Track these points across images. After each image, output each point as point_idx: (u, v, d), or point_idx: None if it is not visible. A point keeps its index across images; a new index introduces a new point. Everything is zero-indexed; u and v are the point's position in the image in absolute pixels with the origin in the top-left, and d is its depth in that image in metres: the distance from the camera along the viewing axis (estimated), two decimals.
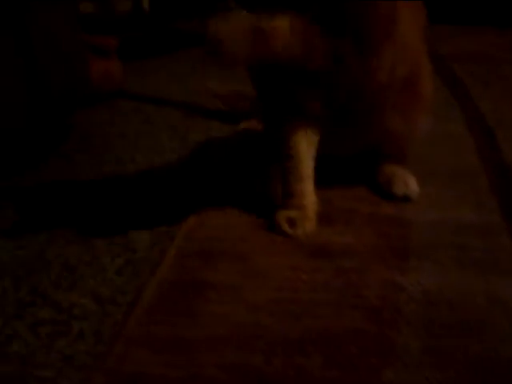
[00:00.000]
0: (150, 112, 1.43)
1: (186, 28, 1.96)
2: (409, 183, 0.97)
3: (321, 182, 0.93)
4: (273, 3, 0.79)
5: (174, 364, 0.65)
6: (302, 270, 0.80)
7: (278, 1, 0.79)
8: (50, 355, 0.68)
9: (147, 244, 0.89)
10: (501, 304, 0.72)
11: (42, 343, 0.70)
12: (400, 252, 0.83)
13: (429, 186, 0.99)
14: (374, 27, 0.82)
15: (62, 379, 0.64)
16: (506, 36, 2.04)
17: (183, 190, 1.05)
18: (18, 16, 1.08)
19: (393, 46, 0.85)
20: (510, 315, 0.70)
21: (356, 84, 0.84)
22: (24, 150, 1.15)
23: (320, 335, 0.68)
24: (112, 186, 1.08)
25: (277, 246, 0.86)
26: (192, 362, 0.65)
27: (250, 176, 1.04)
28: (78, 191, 1.06)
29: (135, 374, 0.63)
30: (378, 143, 0.98)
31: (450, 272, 0.78)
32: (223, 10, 0.75)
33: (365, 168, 1.02)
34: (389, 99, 0.90)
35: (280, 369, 0.63)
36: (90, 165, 1.16)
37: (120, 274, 0.82)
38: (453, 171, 1.05)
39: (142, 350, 0.67)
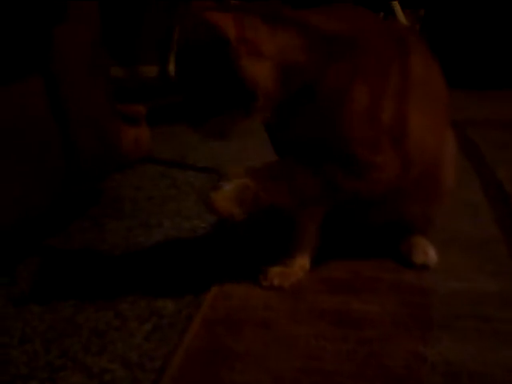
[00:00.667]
0: (177, 177, 1.48)
1: None
2: (428, 252, 1.00)
3: (348, 252, 0.96)
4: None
5: None
6: (326, 338, 0.82)
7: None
8: None
9: (174, 310, 0.91)
10: None
11: None
12: (422, 322, 0.84)
13: (449, 254, 1.02)
14: (359, 150, 0.84)
15: None
16: None
17: (209, 255, 1.08)
18: (54, 84, 1.15)
19: (399, 152, 0.86)
20: None
21: (360, 194, 0.88)
22: (56, 213, 1.19)
23: None
24: (139, 251, 1.11)
25: (301, 314, 0.87)
26: None
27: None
28: (105, 256, 1.10)
29: None
30: (398, 220, 1.02)
31: (471, 343, 0.79)
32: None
33: (388, 238, 1.04)
34: (402, 193, 0.94)
35: None
36: (117, 229, 1.20)
37: (148, 339, 0.84)
38: (472, 239, 1.07)
39: None
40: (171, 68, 2.15)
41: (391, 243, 1.04)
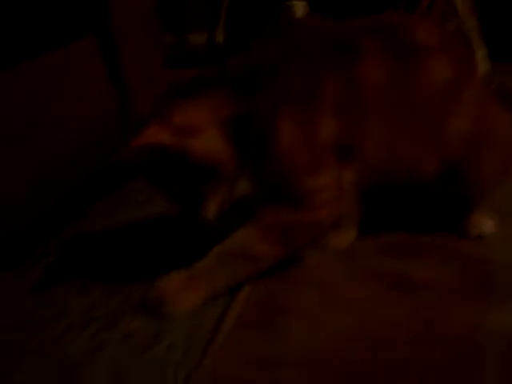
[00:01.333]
0: None
1: None
2: (483, 225, 0.98)
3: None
4: None
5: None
6: (382, 302, 0.81)
7: None
8: None
9: None
10: None
11: None
12: (481, 290, 0.83)
13: (508, 225, 0.98)
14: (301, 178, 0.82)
15: None
16: None
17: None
18: (109, 43, 1.17)
19: (351, 163, 0.85)
20: None
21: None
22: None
23: (400, 369, 0.69)
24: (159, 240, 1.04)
25: (357, 276, 0.87)
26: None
27: None
28: (124, 243, 1.04)
29: None
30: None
31: None
32: None
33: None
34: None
35: None
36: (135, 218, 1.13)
37: None
38: None
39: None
40: (219, 35, 2.14)
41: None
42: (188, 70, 1.57)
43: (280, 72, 0.81)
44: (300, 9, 1.90)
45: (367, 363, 0.70)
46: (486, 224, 0.98)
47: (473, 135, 0.90)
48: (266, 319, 0.79)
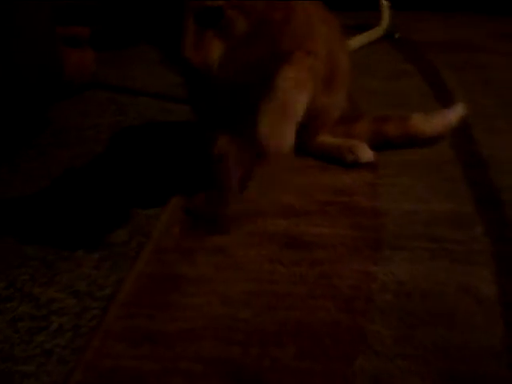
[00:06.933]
0: (125, 103, 1.42)
1: None
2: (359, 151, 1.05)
3: None
4: None
5: (151, 357, 0.66)
6: (278, 261, 0.81)
7: None
8: (29, 350, 0.69)
9: (124, 238, 0.89)
10: (472, 294, 0.74)
11: (22, 338, 0.71)
12: (373, 243, 0.84)
13: (403, 176, 1.01)
14: None
15: (41, 374, 0.65)
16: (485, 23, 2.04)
17: (158, 182, 1.05)
18: None
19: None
20: (482, 305, 0.72)
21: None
22: None
23: (295, 327, 0.69)
24: (86, 179, 1.08)
25: (254, 239, 0.86)
26: (168, 354, 0.66)
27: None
28: (52, 185, 1.06)
29: (113, 368, 0.65)
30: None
31: (422, 262, 0.80)
32: None
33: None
34: None
35: (256, 360, 0.65)
36: (64, 158, 1.15)
37: (97, 268, 0.83)
38: (427, 161, 1.07)
39: (120, 343, 0.68)
40: None
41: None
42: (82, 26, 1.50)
43: None
44: None
45: (267, 324, 0.70)
46: (363, 149, 1.04)
47: None
48: (161, 289, 0.77)
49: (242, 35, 0.76)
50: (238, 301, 0.74)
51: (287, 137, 0.78)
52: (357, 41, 1.73)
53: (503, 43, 1.78)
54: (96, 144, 1.21)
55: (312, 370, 0.63)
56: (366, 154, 1.05)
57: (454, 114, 1.13)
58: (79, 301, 0.76)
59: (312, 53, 0.88)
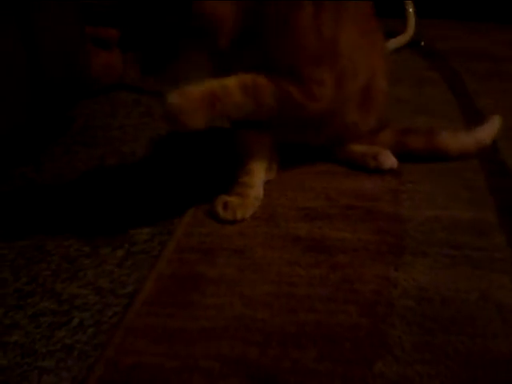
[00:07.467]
0: (151, 105, 1.43)
1: None
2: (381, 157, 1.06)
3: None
4: None
5: (171, 354, 0.66)
6: (299, 264, 0.81)
7: None
8: (50, 345, 0.69)
9: (147, 237, 0.90)
10: (493, 301, 0.73)
11: (43, 334, 0.71)
12: (395, 248, 0.84)
13: (426, 183, 1.01)
14: (304, 60, 0.88)
15: (61, 369, 0.66)
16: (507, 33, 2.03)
17: (183, 183, 1.06)
18: (23, 6, 1.09)
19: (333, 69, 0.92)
20: (502, 312, 0.71)
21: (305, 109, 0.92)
22: (25, 141, 1.15)
23: (315, 329, 0.69)
24: (112, 179, 1.09)
25: (275, 241, 0.87)
26: (188, 352, 0.66)
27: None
28: (77, 183, 1.07)
29: (133, 364, 0.65)
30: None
31: (443, 269, 0.80)
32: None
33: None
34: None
35: (275, 361, 0.65)
36: (89, 157, 1.17)
37: (120, 266, 0.83)
38: (450, 169, 1.06)
39: (141, 340, 0.68)
40: None
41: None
42: (111, 28, 1.51)
43: None
44: None
45: (287, 325, 0.70)
46: (386, 157, 1.05)
47: None
48: (182, 288, 0.77)
49: None
50: (258, 302, 0.74)
51: (196, 120, 0.83)
52: None
53: None
54: (122, 144, 1.23)
55: (332, 372, 0.63)
56: (389, 160, 1.05)
57: (487, 132, 1.10)
58: (101, 297, 0.77)
59: (317, 82, 0.90)
